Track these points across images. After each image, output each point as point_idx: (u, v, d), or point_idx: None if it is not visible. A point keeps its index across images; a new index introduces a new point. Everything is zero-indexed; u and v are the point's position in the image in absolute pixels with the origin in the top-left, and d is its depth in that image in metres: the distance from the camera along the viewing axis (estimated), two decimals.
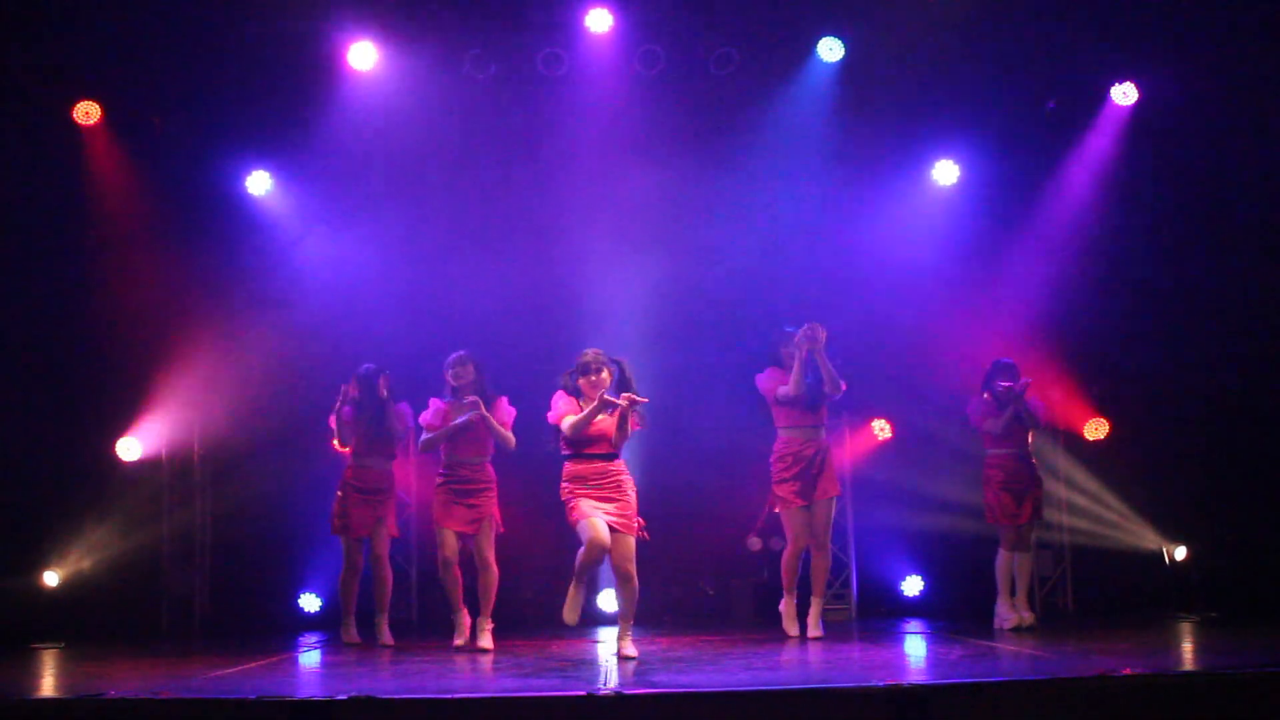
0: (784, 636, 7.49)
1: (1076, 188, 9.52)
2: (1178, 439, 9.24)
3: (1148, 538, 9.22)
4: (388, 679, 5.79)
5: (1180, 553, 9.14)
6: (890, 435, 9.50)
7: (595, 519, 6.36)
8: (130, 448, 9.12)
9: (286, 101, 9.25)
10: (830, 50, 9.25)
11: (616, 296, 9.19)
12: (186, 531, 9.39)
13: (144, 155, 9.28)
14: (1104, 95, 9.40)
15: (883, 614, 9.37)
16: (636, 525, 6.52)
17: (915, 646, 7.10)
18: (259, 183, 9.44)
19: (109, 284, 9.18)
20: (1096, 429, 9.34)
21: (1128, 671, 4.93)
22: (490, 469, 7.55)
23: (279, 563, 9.27)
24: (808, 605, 7.61)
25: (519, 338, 9.06)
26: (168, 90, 9.21)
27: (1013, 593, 8.05)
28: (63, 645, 8.01)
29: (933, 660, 6.43)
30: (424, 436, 7.50)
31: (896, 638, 7.68)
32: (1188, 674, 5.17)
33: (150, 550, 9.22)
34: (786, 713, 4.65)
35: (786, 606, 7.62)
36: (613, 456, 6.57)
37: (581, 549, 6.37)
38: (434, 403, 7.52)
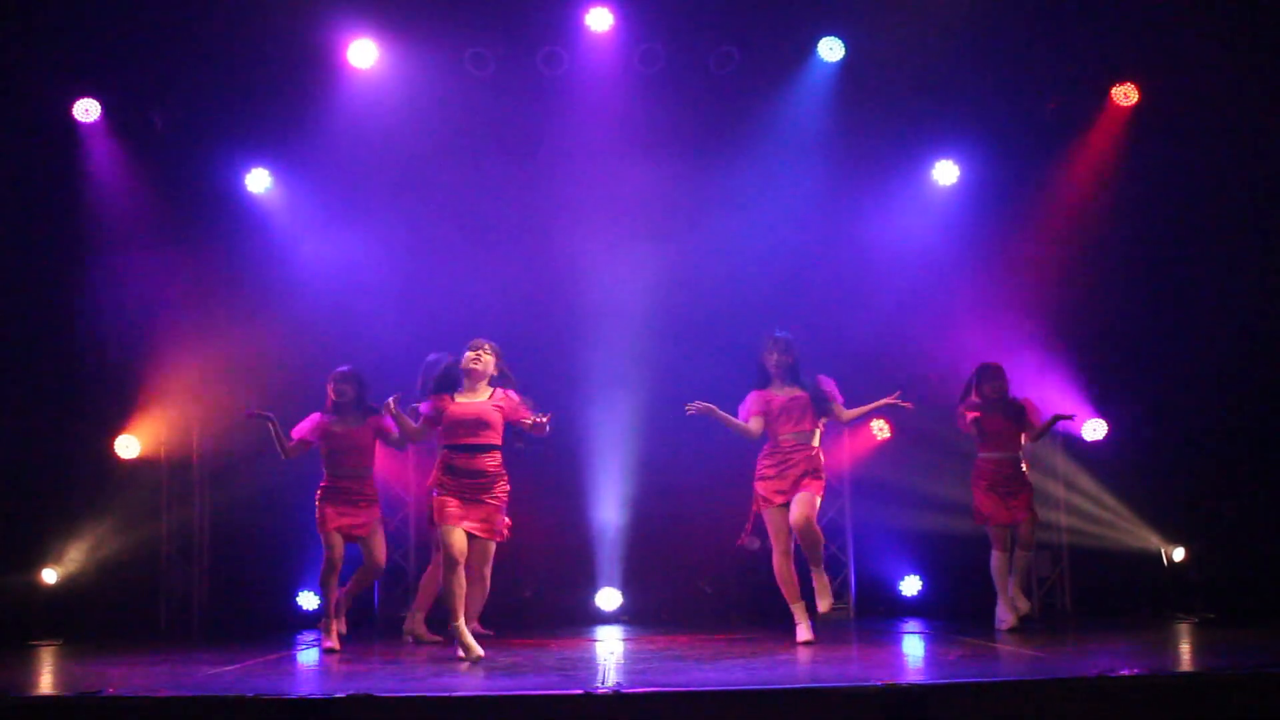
0: (782, 636, 7.45)
1: (1077, 188, 9.52)
2: (1176, 440, 9.24)
3: (1146, 538, 9.22)
4: (386, 677, 5.78)
5: (1178, 553, 9.14)
6: (889, 435, 9.51)
7: (453, 533, 6.42)
8: (129, 445, 9.12)
9: (286, 99, 9.25)
10: (831, 50, 9.25)
11: (615, 295, 9.20)
12: (185, 529, 9.40)
13: (143, 153, 9.27)
14: (1104, 96, 9.40)
15: (881, 614, 9.37)
16: (501, 528, 6.56)
17: (913, 646, 7.10)
18: (258, 181, 9.44)
19: (108, 281, 9.18)
20: (1095, 429, 9.34)
21: (1125, 672, 4.93)
22: (374, 481, 7.60)
23: (278, 561, 9.27)
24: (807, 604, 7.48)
25: (517, 336, 9.02)
26: (167, 88, 9.20)
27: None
28: (61, 643, 8.02)
29: (930, 660, 6.43)
30: (291, 444, 7.50)
31: (894, 637, 7.68)
32: (1185, 674, 5.17)
33: (149, 548, 9.22)
34: (784, 712, 4.65)
35: (798, 614, 7.22)
36: (489, 449, 6.55)
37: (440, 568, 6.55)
38: (313, 416, 7.55)
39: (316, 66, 9.19)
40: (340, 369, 7.61)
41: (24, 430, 8.91)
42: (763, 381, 7.40)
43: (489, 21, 9.11)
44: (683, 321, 9.26)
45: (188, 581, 9.38)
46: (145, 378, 9.14)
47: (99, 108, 9.15)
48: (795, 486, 7.17)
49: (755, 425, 7.34)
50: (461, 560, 6.48)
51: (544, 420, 6.53)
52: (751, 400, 7.38)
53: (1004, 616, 7.94)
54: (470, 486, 6.52)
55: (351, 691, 4.75)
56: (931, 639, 7.46)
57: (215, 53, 9.03)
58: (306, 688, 5.40)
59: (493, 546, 6.61)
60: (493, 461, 6.61)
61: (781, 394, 7.31)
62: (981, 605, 8.27)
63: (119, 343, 9.20)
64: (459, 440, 6.58)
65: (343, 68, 9.19)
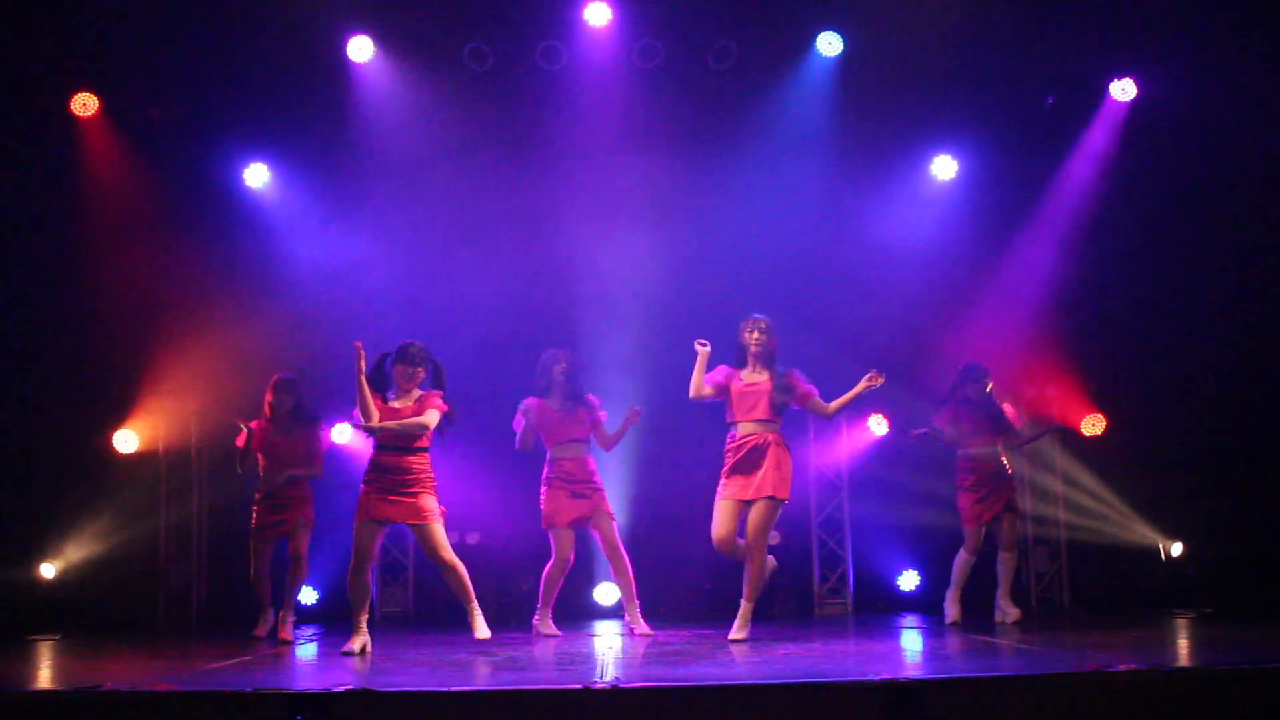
0: (782, 632, 7.44)
1: (1075, 184, 9.53)
2: (1175, 435, 9.25)
3: (1144, 534, 9.23)
4: (385, 672, 5.79)
5: (1176, 548, 9.16)
6: (887, 430, 9.50)
7: (366, 532, 6.55)
8: (127, 440, 9.12)
9: (285, 94, 9.25)
10: (829, 45, 9.24)
11: (613, 290, 9.19)
12: (184, 524, 9.40)
13: (142, 147, 9.27)
14: (1103, 91, 9.39)
15: (879, 609, 9.38)
16: (431, 510, 6.61)
17: (911, 641, 7.10)
18: (257, 175, 9.43)
19: (107, 276, 9.17)
20: (1094, 425, 9.35)
21: (1124, 667, 4.93)
22: (309, 486, 7.70)
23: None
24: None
25: (515, 331, 9.07)
26: (166, 82, 9.20)
27: (998, 590, 8.12)
28: (59, 637, 8.01)
29: (928, 655, 6.43)
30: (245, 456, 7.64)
31: (892, 632, 7.68)
32: (1183, 670, 5.17)
33: (147, 542, 9.23)
34: (783, 707, 4.65)
35: (743, 611, 7.17)
36: (416, 451, 6.64)
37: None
38: (252, 424, 7.65)
39: (315, 61, 9.19)
40: (280, 377, 7.70)
41: (23, 424, 8.92)
42: (739, 362, 7.20)
43: (488, 16, 9.11)
44: (682, 317, 9.23)
45: (186, 576, 9.38)
46: (143, 372, 9.13)
47: (97, 102, 9.15)
48: (753, 486, 6.92)
49: (708, 389, 7.03)
50: (368, 560, 6.65)
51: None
52: (719, 370, 7.12)
53: (950, 610, 8.06)
54: (397, 482, 6.59)
55: (350, 686, 4.75)
56: (930, 634, 7.47)
57: (213, 47, 9.03)
58: (305, 682, 5.40)
59: (438, 530, 6.61)
60: (419, 462, 6.66)
61: (748, 378, 7.09)
62: (979, 600, 8.29)
63: (117, 337, 9.19)
64: (387, 441, 6.64)
65: (341, 63, 9.18)
